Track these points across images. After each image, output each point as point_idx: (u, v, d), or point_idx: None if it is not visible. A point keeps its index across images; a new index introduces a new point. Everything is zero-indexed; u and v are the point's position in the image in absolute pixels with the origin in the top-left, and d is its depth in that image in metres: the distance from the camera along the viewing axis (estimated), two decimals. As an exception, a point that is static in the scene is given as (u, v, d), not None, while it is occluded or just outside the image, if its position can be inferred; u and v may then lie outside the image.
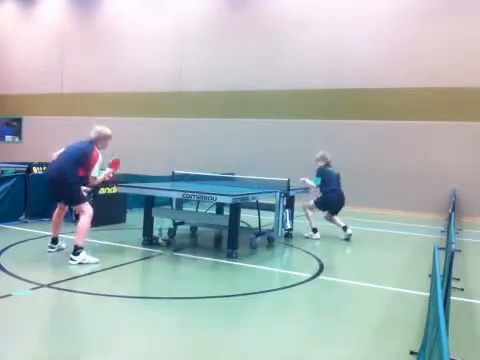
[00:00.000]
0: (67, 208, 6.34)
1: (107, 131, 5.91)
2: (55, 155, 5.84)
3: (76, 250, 5.55)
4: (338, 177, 8.39)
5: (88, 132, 5.93)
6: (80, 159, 5.67)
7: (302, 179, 8.29)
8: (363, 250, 7.64)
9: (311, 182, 8.25)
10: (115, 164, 6.16)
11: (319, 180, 8.17)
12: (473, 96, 12.35)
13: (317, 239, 8.12)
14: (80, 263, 5.52)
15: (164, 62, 16.11)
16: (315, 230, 8.22)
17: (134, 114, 16.40)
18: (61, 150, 5.88)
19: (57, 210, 6.09)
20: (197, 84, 15.53)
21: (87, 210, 5.71)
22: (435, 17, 12.83)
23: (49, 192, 6.06)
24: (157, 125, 16.10)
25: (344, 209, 8.49)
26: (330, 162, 8.40)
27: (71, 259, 5.54)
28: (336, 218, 8.37)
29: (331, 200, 8.25)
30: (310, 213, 8.28)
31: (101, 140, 5.86)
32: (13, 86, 18.84)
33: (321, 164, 8.31)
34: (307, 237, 8.19)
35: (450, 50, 12.54)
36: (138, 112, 16.44)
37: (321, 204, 8.28)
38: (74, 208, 6.03)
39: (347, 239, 8.09)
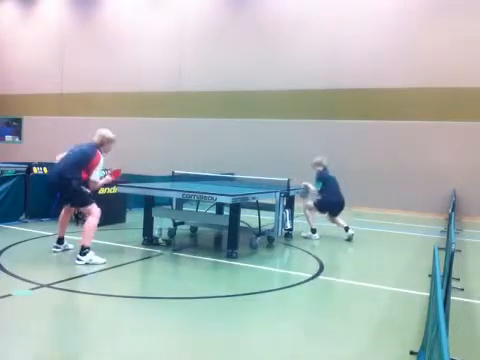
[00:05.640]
0: (73, 210, 6.33)
1: (110, 135, 5.96)
2: (58, 158, 5.85)
3: (83, 250, 5.56)
4: (336, 181, 8.47)
5: (87, 132, 5.94)
6: (83, 162, 5.68)
7: (304, 184, 8.42)
8: (363, 250, 7.64)
9: (313, 187, 8.34)
10: (116, 173, 6.20)
11: (320, 185, 8.30)
12: (473, 96, 12.35)
13: (316, 239, 8.15)
14: (87, 263, 5.52)
15: (164, 62, 16.11)
16: (314, 231, 8.26)
17: (134, 114, 16.40)
18: (64, 153, 5.89)
19: (63, 212, 6.10)
20: (197, 84, 15.52)
21: (94, 211, 5.73)
22: (435, 17, 12.84)
23: (50, 194, 6.08)
24: (157, 125, 16.10)
25: (344, 209, 8.49)
26: (327, 167, 8.48)
27: (78, 259, 5.55)
28: (338, 219, 8.42)
29: (332, 203, 8.33)
30: (309, 213, 8.32)
31: (105, 144, 5.91)
32: (13, 86, 18.84)
33: (319, 169, 8.41)
34: (305, 237, 8.22)
35: (450, 50, 12.54)
36: (138, 112, 16.44)
37: (321, 207, 8.35)
38: (82, 210, 5.97)
39: (349, 239, 8.09)
